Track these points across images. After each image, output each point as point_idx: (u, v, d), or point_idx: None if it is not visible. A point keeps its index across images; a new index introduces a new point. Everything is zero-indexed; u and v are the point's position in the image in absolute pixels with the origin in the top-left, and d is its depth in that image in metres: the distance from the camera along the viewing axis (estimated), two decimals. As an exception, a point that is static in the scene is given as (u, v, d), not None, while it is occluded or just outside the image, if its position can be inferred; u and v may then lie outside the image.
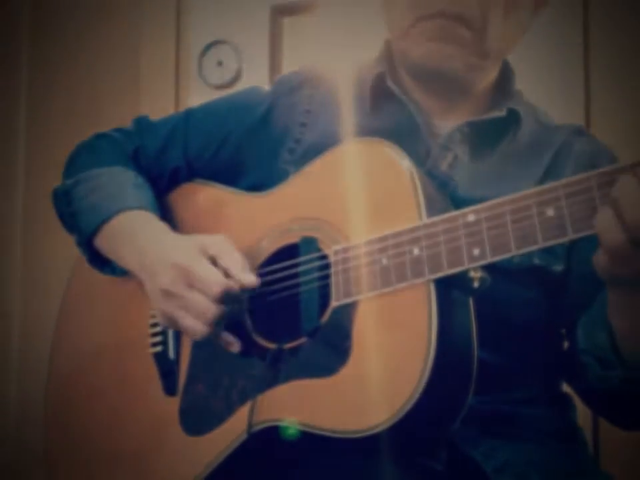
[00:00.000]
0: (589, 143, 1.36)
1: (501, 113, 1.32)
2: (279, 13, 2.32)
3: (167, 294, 1.22)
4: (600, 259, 1.00)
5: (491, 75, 1.36)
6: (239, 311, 1.23)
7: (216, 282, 1.19)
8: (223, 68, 2.34)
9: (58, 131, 2.44)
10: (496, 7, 1.28)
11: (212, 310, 1.19)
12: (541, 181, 1.28)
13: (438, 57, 1.28)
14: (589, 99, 2.02)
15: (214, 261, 1.22)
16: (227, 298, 1.20)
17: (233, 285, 1.20)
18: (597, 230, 0.97)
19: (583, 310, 1.25)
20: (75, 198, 1.40)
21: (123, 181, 1.40)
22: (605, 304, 1.12)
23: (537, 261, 1.24)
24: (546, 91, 1.87)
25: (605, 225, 0.96)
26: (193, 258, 1.22)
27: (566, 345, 1.34)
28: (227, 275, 1.21)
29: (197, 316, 1.19)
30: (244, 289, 1.21)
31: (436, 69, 1.30)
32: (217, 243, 1.24)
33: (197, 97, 2.27)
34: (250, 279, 1.22)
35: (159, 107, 2.23)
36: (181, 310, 1.21)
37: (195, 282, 1.20)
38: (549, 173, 1.30)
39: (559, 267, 1.26)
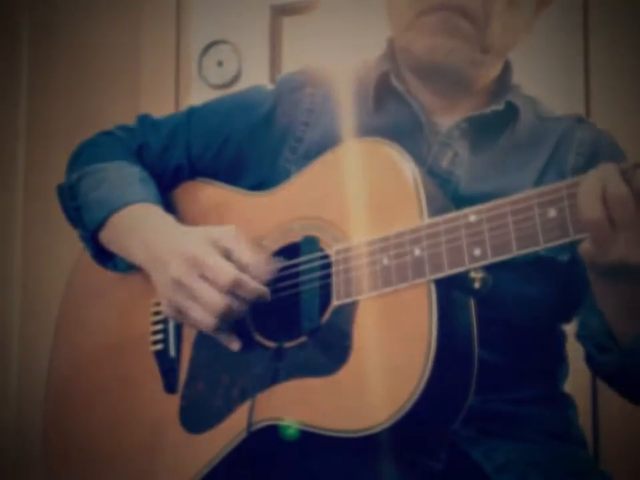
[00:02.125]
0: (590, 130, 1.36)
1: (498, 106, 1.32)
2: (279, 12, 2.33)
3: (178, 284, 1.21)
4: (584, 246, 1.01)
5: (492, 71, 1.36)
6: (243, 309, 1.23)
7: (226, 273, 1.18)
8: (223, 68, 2.34)
9: (58, 131, 2.44)
10: (498, 1, 1.28)
11: (221, 302, 1.18)
12: (543, 172, 1.29)
13: (441, 51, 1.28)
14: (589, 93, 2.02)
15: (227, 254, 1.22)
16: (236, 293, 1.19)
17: (243, 278, 1.19)
18: (579, 203, 0.98)
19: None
20: (79, 192, 1.40)
21: (128, 174, 1.40)
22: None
23: (542, 252, 1.23)
24: (546, 86, 1.87)
25: (587, 198, 0.97)
26: (205, 249, 1.21)
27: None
28: (243, 269, 1.21)
29: (205, 307, 1.19)
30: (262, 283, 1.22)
31: (439, 64, 1.30)
32: (229, 236, 1.24)
33: (197, 96, 2.27)
34: (265, 272, 1.22)
35: (159, 106, 2.23)
36: (189, 301, 1.20)
37: (206, 272, 1.19)
38: (551, 163, 1.30)
39: (564, 257, 1.26)
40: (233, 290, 1.18)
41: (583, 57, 2.04)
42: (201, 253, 1.20)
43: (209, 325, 1.19)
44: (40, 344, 1.60)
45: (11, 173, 2.49)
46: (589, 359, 1.26)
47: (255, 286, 1.20)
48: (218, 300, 1.18)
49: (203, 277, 1.19)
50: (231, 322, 1.21)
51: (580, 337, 1.26)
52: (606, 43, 2.03)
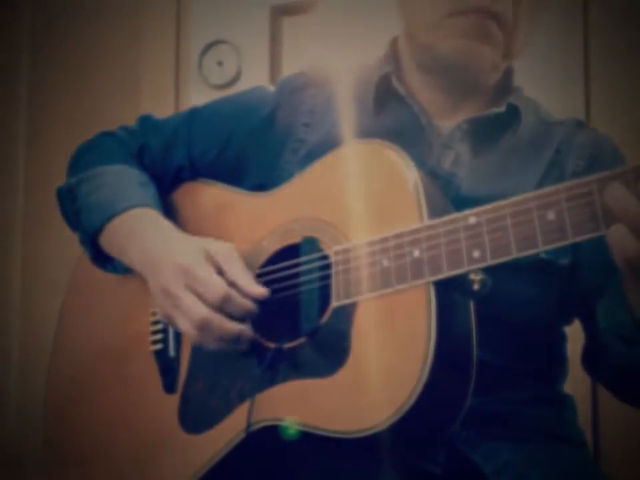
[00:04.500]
0: (590, 135, 1.36)
1: (500, 108, 1.31)
2: (279, 12, 2.33)
3: (165, 292, 1.22)
4: (622, 271, 0.99)
5: (498, 75, 1.36)
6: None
7: (216, 288, 1.19)
8: (223, 68, 2.34)
9: (58, 131, 2.45)
10: (525, 9, 1.27)
11: (197, 314, 1.18)
12: (544, 176, 1.29)
13: (469, 53, 1.27)
14: (589, 95, 2.02)
15: (219, 269, 1.22)
16: (230, 309, 1.20)
17: (232, 294, 1.19)
18: (609, 244, 0.96)
19: (598, 296, 1.24)
20: (79, 195, 1.40)
21: (128, 178, 1.40)
22: (621, 282, 1.10)
23: (543, 255, 1.23)
24: (546, 88, 1.87)
25: (615, 237, 0.95)
26: (196, 261, 1.21)
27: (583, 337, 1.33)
28: (232, 285, 1.21)
29: (186, 317, 1.19)
30: (253, 299, 1.21)
31: (463, 66, 1.29)
32: (223, 252, 1.24)
33: (197, 96, 2.28)
34: (259, 290, 1.21)
35: (159, 107, 2.23)
36: (175, 309, 1.21)
37: (195, 284, 1.20)
38: (552, 168, 1.30)
39: (565, 261, 1.26)
40: (221, 306, 1.19)
41: (582, 58, 2.04)
42: (193, 266, 1.21)
43: (191, 335, 1.20)
44: (40, 344, 1.60)
45: (11, 173, 2.50)
46: (608, 355, 1.24)
47: (244, 303, 1.20)
48: (198, 312, 1.18)
49: (190, 288, 1.20)
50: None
51: (604, 329, 1.23)
52: (606, 44, 2.03)
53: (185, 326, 1.20)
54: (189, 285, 1.20)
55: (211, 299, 1.18)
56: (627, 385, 1.26)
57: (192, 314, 1.18)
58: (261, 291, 1.22)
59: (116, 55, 2.43)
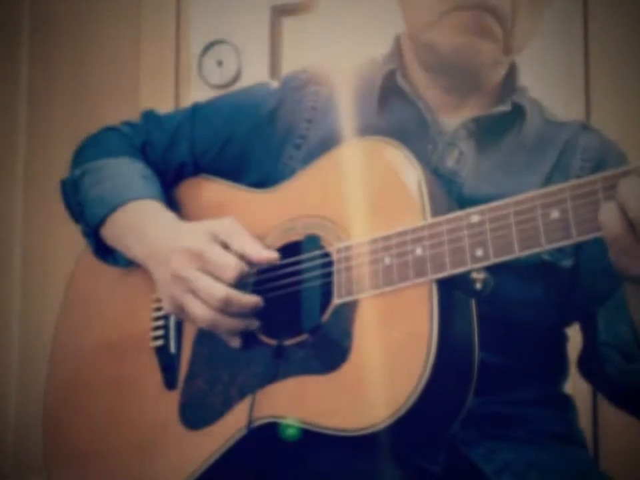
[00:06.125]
0: (595, 138, 1.36)
1: (505, 107, 1.31)
2: (278, 12, 2.33)
3: (176, 278, 1.21)
4: (611, 257, 1.00)
5: (501, 72, 1.36)
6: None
7: (231, 266, 1.19)
8: (223, 68, 2.34)
9: (58, 130, 2.45)
10: (524, 4, 1.27)
11: (219, 292, 1.18)
12: (548, 177, 1.28)
13: (469, 50, 1.27)
14: (589, 94, 2.02)
15: (225, 246, 1.22)
16: (239, 283, 1.20)
17: (247, 268, 1.20)
18: (599, 221, 0.97)
19: (598, 303, 1.25)
20: (82, 187, 1.40)
21: (131, 171, 1.40)
22: (623, 297, 1.11)
23: (545, 257, 1.23)
24: (546, 88, 1.87)
25: (607, 216, 0.96)
26: (205, 243, 1.22)
27: (581, 341, 1.34)
28: (242, 257, 1.21)
29: (203, 299, 1.19)
30: (266, 264, 1.22)
31: (464, 62, 1.29)
32: (226, 227, 1.24)
33: (197, 97, 2.26)
34: (269, 254, 1.22)
35: (159, 107, 2.21)
36: (188, 293, 1.20)
37: (208, 267, 1.20)
38: (556, 169, 1.30)
39: (567, 263, 1.26)
40: (237, 282, 1.19)
41: (583, 59, 2.04)
42: (203, 249, 1.21)
43: (206, 318, 1.19)
44: (40, 344, 1.60)
45: (10, 172, 2.49)
46: (606, 368, 1.24)
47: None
48: (217, 291, 1.18)
49: (204, 271, 1.20)
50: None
51: (604, 343, 1.24)
52: (606, 44, 2.03)
53: (200, 310, 1.20)
54: (202, 268, 1.20)
55: (227, 279, 1.19)
56: (621, 395, 1.27)
57: (212, 294, 1.18)
58: (272, 254, 1.22)
59: (116, 55, 2.44)
